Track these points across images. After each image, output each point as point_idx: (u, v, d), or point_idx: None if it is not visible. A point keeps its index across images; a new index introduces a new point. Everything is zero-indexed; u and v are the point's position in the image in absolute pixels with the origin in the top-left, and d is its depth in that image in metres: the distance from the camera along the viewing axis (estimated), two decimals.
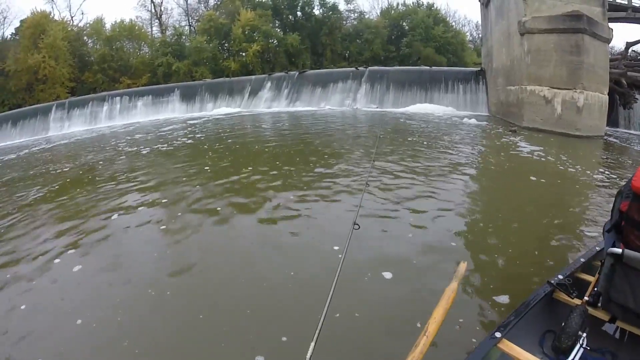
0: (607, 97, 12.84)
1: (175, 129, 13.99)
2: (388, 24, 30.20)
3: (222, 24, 27.77)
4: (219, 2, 32.43)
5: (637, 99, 15.43)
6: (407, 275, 2.80)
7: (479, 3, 20.12)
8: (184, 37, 29.82)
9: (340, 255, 2.90)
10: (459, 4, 50.12)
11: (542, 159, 7.02)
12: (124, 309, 2.56)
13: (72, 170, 7.74)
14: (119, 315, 2.50)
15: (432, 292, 2.39)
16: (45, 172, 7.97)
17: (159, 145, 9.80)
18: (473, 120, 13.19)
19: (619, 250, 1.63)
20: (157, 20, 33.26)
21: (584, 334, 1.72)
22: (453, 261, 2.90)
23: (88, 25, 29.43)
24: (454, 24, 33.96)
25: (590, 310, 1.87)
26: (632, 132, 15.57)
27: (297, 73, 21.69)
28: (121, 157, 8.63)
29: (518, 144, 8.80)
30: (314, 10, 30.16)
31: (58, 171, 7.85)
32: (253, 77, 23.13)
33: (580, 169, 6.27)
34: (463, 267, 1.85)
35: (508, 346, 1.61)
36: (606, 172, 6.22)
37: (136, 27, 29.30)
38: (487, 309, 2.46)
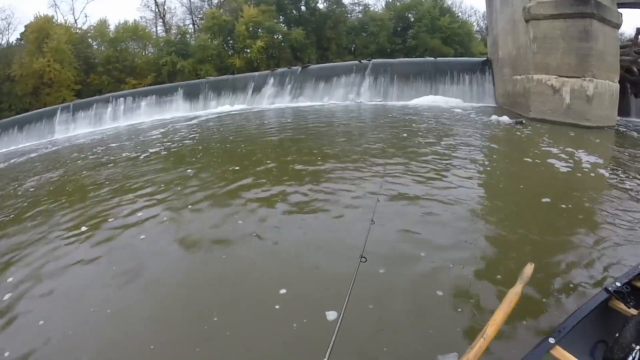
0: (618, 85, 12.24)
1: (177, 128, 13.90)
2: (393, 15, 29.70)
3: (226, 21, 27.73)
4: (222, 0, 32.32)
5: None
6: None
7: None
8: (188, 36, 29.83)
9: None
10: None
11: (554, 154, 6.48)
12: None
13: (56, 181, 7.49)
14: None
15: None
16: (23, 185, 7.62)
17: (156, 148, 9.59)
18: (478, 113, 12.85)
19: None
20: (160, 20, 33.39)
21: (638, 347, 1.65)
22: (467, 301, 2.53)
23: (92, 27, 29.70)
24: (460, 14, 33.30)
25: None
26: None
27: (300, 68, 21.36)
28: (110, 165, 8.15)
29: (527, 136, 8.33)
30: (318, 5, 29.96)
31: (41, 182, 7.61)
32: (256, 73, 22.86)
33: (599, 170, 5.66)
34: (530, 269, 1.78)
35: (560, 353, 1.61)
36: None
37: (140, 28, 29.44)
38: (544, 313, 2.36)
